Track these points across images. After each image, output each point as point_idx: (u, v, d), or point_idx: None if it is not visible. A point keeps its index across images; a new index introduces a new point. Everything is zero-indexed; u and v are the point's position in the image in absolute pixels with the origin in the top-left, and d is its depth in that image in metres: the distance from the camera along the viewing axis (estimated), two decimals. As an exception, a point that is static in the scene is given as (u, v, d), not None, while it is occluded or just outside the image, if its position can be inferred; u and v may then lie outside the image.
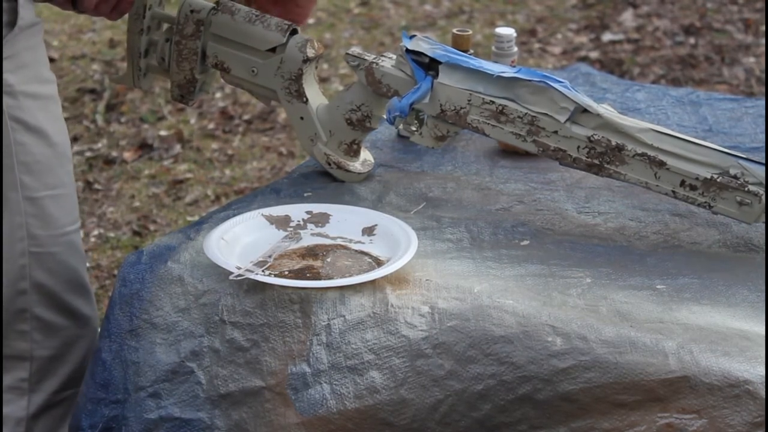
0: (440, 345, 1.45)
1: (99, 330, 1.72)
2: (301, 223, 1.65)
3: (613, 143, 1.63)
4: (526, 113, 1.65)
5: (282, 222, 1.65)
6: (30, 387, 1.74)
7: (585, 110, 1.64)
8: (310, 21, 4.63)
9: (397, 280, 1.51)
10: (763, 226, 1.64)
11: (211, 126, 3.81)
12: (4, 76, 1.61)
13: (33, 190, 1.67)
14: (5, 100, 1.62)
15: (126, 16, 1.79)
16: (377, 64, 1.74)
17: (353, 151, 1.79)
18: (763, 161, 1.60)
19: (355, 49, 1.78)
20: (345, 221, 1.65)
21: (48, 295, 1.72)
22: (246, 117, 3.87)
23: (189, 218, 3.25)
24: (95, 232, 3.14)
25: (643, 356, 1.39)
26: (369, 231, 1.63)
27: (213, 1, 1.80)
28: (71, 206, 1.75)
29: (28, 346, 1.73)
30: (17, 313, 1.71)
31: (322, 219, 1.66)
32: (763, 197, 1.58)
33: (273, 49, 1.77)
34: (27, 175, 1.65)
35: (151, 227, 3.23)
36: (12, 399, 1.74)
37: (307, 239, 1.62)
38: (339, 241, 1.62)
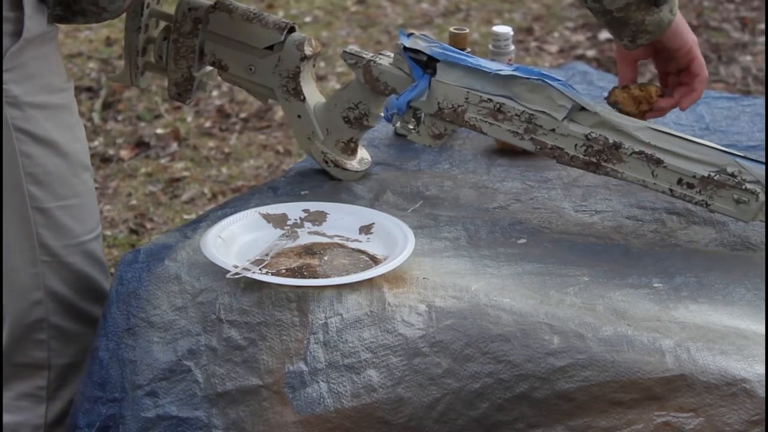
0: (437, 343, 1.45)
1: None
2: (299, 221, 1.65)
3: (611, 141, 1.63)
4: (523, 111, 1.65)
5: (279, 220, 1.65)
6: (48, 395, 1.74)
7: (582, 108, 1.64)
8: (307, 19, 4.63)
9: (394, 278, 1.51)
10: (760, 224, 1.64)
11: (208, 124, 3.80)
12: (9, 87, 1.59)
13: (42, 201, 1.65)
14: (10, 111, 1.60)
15: (124, 14, 1.78)
16: (375, 62, 1.74)
17: (350, 150, 1.79)
18: (760, 159, 1.60)
19: (353, 48, 1.78)
20: (342, 219, 1.65)
21: (65, 303, 1.71)
22: (243, 115, 3.86)
23: (186, 216, 3.24)
24: (92, 231, 3.14)
25: (640, 355, 1.39)
26: (366, 229, 1.63)
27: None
28: (87, 215, 1.72)
29: (46, 355, 1.72)
30: (34, 323, 1.70)
31: (319, 217, 1.66)
32: (761, 195, 1.58)
33: (270, 47, 1.77)
34: (35, 186, 1.64)
35: (148, 225, 3.23)
36: (28, 406, 1.73)
37: (305, 238, 1.62)
38: (336, 240, 1.62)
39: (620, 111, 1.73)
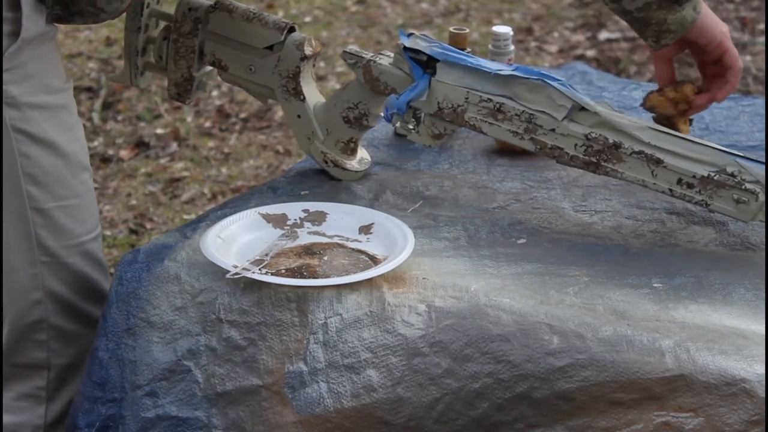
0: (437, 343, 1.45)
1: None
2: (298, 221, 1.65)
3: (611, 141, 1.63)
4: (523, 111, 1.65)
5: (279, 220, 1.65)
6: (48, 395, 1.73)
7: (582, 108, 1.64)
8: (307, 19, 4.63)
9: (393, 278, 1.51)
10: (760, 224, 1.64)
11: (208, 124, 3.80)
12: (7, 87, 1.59)
13: (41, 201, 1.65)
14: (8, 112, 1.59)
15: (123, 14, 1.78)
16: (374, 62, 1.74)
17: (350, 150, 1.79)
18: (760, 159, 1.60)
19: (352, 47, 1.78)
20: (342, 220, 1.65)
21: (64, 304, 1.71)
22: (243, 115, 3.86)
23: (186, 217, 3.24)
24: (92, 231, 3.13)
25: (640, 355, 1.39)
26: (366, 229, 1.63)
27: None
28: (86, 216, 1.72)
29: (45, 355, 1.72)
30: (33, 323, 1.69)
31: (318, 217, 1.66)
32: (760, 195, 1.58)
33: (270, 47, 1.77)
34: (34, 186, 1.64)
35: (148, 225, 3.23)
36: (28, 407, 1.73)
37: (304, 238, 1.62)
38: (336, 240, 1.62)
39: (659, 115, 1.74)
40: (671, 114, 1.73)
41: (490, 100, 1.66)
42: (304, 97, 1.78)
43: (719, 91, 1.73)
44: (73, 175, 1.68)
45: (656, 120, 1.76)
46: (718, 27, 1.71)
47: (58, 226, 1.67)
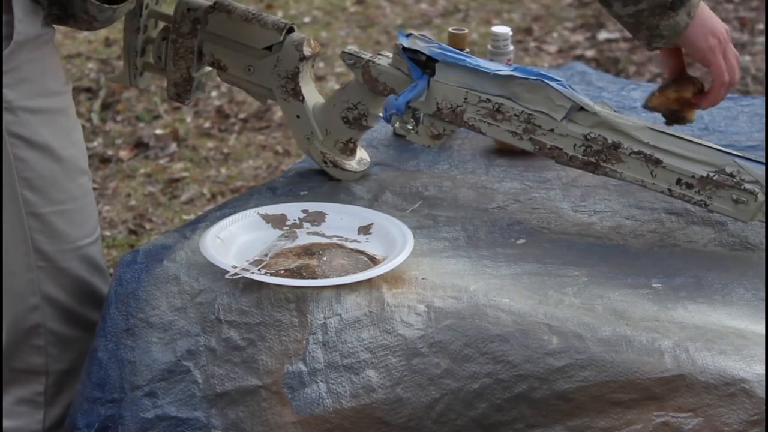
0: (436, 344, 1.45)
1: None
2: (297, 221, 1.65)
3: (610, 141, 1.63)
4: (522, 111, 1.65)
5: (278, 221, 1.65)
6: (46, 400, 1.72)
7: (581, 108, 1.64)
8: (306, 19, 4.63)
9: (393, 278, 1.51)
10: (759, 224, 1.64)
11: (207, 125, 3.80)
12: (2, 91, 1.58)
13: (37, 206, 1.64)
14: (3, 116, 1.58)
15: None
16: (374, 62, 1.74)
17: (349, 150, 1.79)
18: (759, 159, 1.60)
19: (351, 48, 1.78)
20: (341, 220, 1.65)
21: (62, 309, 1.70)
22: (242, 115, 3.86)
23: (185, 217, 3.24)
24: (91, 231, 3.13)
25: (639, 355, 1.39)
26: (365, 230, 1.63)
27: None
28: (84, 220, 1.71)
29: (44, 361, 1.71)
30: (31, 328, 1.68)
31: (318, 218, 1.66)
32: (760, 195, 1.58)
33: (269, 48, 1.77)
34: (29, 191, 1.63)
35: (147, 226, 3.23)
36: (26, 412, 1.72)
37: (303, 238, 1.62)
38: (335, 240, 1.62)
39: (664, 112, 1.73)
40: (675, 109, 1.73)
41: (489, 100, 1.66)
42: (303, 98, 1.78)
43: (703, 100, 1.71)
44: (70, 179, 1.67)
45: (663, 115, 1.75)
46: (706, 40, 1.68)
47: (54, 230, 1.66)
